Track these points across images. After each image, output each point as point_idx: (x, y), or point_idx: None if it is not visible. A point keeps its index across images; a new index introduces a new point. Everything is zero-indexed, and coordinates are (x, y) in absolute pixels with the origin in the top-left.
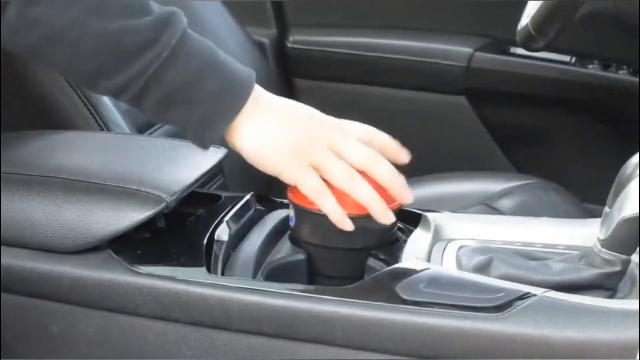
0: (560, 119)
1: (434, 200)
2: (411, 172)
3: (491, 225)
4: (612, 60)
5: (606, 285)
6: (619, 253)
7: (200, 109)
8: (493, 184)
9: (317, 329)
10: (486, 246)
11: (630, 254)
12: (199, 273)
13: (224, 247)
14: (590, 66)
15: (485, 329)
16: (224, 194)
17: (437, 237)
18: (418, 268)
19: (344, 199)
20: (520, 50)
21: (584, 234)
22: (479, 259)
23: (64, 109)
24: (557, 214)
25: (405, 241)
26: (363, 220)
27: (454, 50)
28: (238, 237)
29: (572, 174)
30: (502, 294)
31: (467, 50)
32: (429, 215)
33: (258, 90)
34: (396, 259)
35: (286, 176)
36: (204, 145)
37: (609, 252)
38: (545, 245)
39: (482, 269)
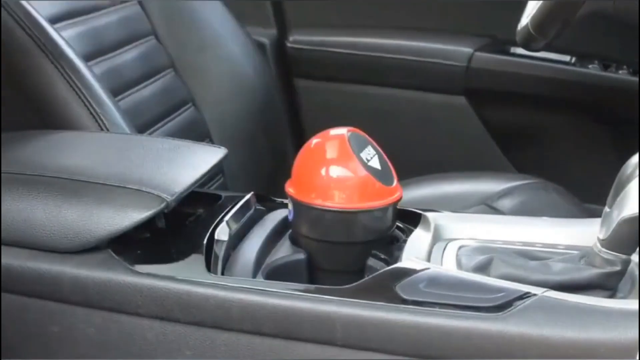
0: (560, 119)
1: (434, 200)
2: (411, 172)
3: (491, 225)
4: (612, 60)
5: (606, 285)
6: (619, 253)
7: None
8: (493, 184)
9: (317, 329)
10: (486, 246)
11: (630, 254)
12: (199, 273)
13: (224, 247)
14: (590, 66)
15: (485, 329)
16: (224, 194)
17: (437, 237)
18: (418, 268)
19: (345, 193)
20: (520, 50)
21: (584, 234)
22: (479, 258)
23: (64, 109)
24: (557, 214)
25: (405, 241)
26: (362, 214)
27: (454, 50)
28: (238, 237)
29: (572, 174)
30: (502, 294)
31: (467, 50)
32: (429, 215)
33: None
34: (396, 259)
35: None
36: None
37: (609, 252)
38: (545, 245)
39: (482, 268)
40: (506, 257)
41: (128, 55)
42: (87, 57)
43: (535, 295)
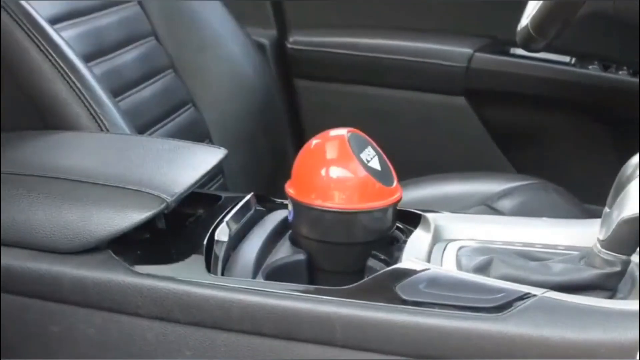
0: (560, 120)
1: (434, 201)
2: (411, 172)
3: (491, 226)
4: (612, 60)
5: (606, 285)
6: (619, 253)
7: None
8: (493, 184)
9: (317, 329)
10: (486, 246)
11: (630, 254)
12: (199, 273)
13: (224, 248)
14: (590, 67)
15: (485, 329)
16: (224, 195)
17: (437, 238)
18: (418, 268)
19: (345, 193)
20: (520, 51)
21: (584, 234)
22: (479, 259)
23: (64, 109)
24: (557, 214)
25: (405, 241)
26: (362, 214)
27: (454, 51)
28: (238, 238)
29: (572, 174)
30: (502, 295)
31: (467, 50)
32: (429, 215)
33: None
34: (396, 260)
35: None
36: None
37: (609, 252)
38: (545, 246)
39: (482, 269)
40: (506, 257)
41: (128, 56)
42: (87, 58)
43: (535, 295)
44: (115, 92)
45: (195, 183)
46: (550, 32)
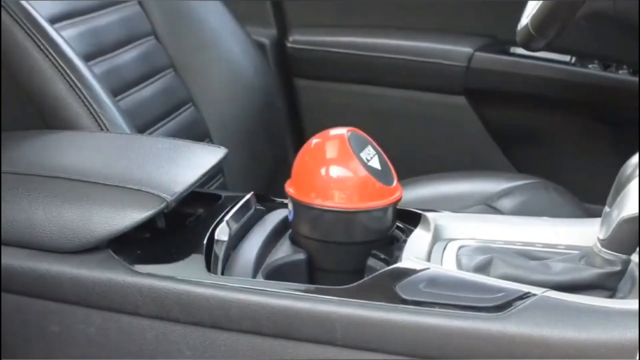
0: (560, 119)
1: (434, 200)
2: (412, 172)
3: (491, 225)
4: (612, 60)
5: (606, 285)
6: (619, 253)
7: None
8: (493, 184)
9: (317, 329)
10: (486, 246)
11: (630, 254)
12: (199, 273)
13: (224, 247)
14: (590, 66)
15: (485, 329)
16: (224, 194)
17: (437, 237)
18: (418, 268)
19: (345, 193)
20: (520, 50)
21: (584, 233)
22: (479, 258)
23: (64, 109)
24: (557, 213)
25: (405, 241)
26: (362, 214)
27: (454, 50)
28: (238, 237)
29: (572, 174)
30: (502, 294)
31: (467, 50)
32: (429, 215)
33: None
34: (396, 259)
35: None
36: None
37: (609, 252)
38: (545, 245)
39: (482, 268)
40: (506, 257)
41: (128, 55)
42: (87, 57)
43: (535, 295)
44: (115, 92)
45: (195, 182)
46: (550, 32)
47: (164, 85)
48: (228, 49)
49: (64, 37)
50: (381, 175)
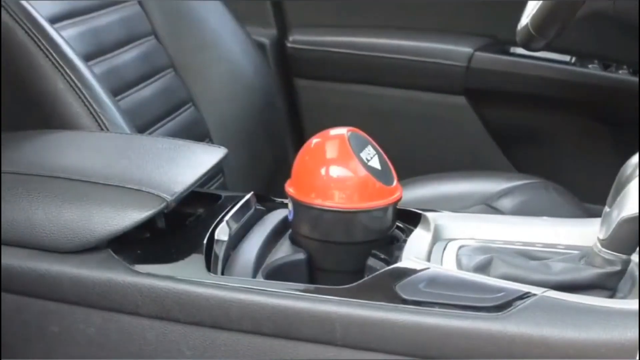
0: (560, 119)
1: (434, 200)
2: (412, 172)
3: (491, 225)
4: (612, 60)
5: (606, 285)
6: (619, 253)
7: None
8: (493, 183)
9: (317, 329)
10: (486, 246)
11: (630, 254)
12: (199, 273)
13: (223, 247)
14: (590, 66)
15: (485, 328)
16: (224, 194)
17: (437, 237)
18: (418, 268)
19: (345, 192)
20: (520, 50)
21: (584, 233)
22: (479, 258)
23: (64, 109)
24: (557, 213)
25: (405, 241)
26: (362, 213)
27: (454, 50)
28: (238, 237)
29: (572, 174)
30: (502, 294)
31: (467, 50)
32: (429, 215)
33: None
34: (396, 259)
35: None
36: None
37: (609, 251)
38: (545, 245)
39: (482, 268)
40: (506, 257)
41: (128, 55)
42: (87, 57)
43: (535, 295)
44: (115, 92)
45: (196, 182)
46: (550, 32)
47: (164, 85)
48: (228, 49)
49: (64, 37)
50: (381, 175)
